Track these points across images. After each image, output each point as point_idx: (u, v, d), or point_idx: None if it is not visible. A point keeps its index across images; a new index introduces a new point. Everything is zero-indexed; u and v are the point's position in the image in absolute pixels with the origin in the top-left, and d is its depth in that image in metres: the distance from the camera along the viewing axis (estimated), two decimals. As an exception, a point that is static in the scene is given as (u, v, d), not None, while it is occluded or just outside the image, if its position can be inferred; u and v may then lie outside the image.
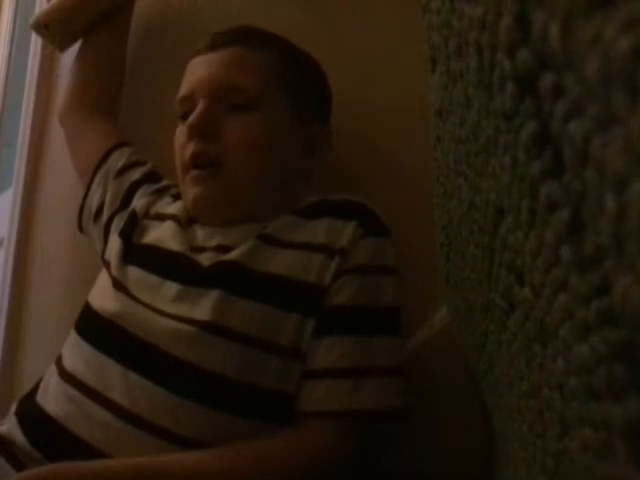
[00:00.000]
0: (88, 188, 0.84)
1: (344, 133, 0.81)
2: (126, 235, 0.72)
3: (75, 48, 0.94)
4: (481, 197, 0.34)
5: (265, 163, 0.68)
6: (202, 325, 0.59)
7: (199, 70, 0.70)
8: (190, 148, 0.67)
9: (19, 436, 0.62)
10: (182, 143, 0.69)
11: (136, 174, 0.82)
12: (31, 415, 0.64)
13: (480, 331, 0.44)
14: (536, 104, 0.22)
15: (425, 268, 0.70)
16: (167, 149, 0.74)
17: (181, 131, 0.70)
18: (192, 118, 0.67)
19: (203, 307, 0.60)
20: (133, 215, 0.76)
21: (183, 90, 0.71)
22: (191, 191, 0.68)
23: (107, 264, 0.72)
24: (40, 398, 0.65)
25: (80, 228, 0.87)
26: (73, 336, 0.67)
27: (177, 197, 0.77)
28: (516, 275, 0.30)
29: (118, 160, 0.83)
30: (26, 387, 0.70)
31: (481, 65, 0.27)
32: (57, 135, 1.08)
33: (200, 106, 0.67)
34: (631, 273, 0.18)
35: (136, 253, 0.70)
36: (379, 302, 0.64)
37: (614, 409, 0.21)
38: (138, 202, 0.78)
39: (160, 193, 0.79)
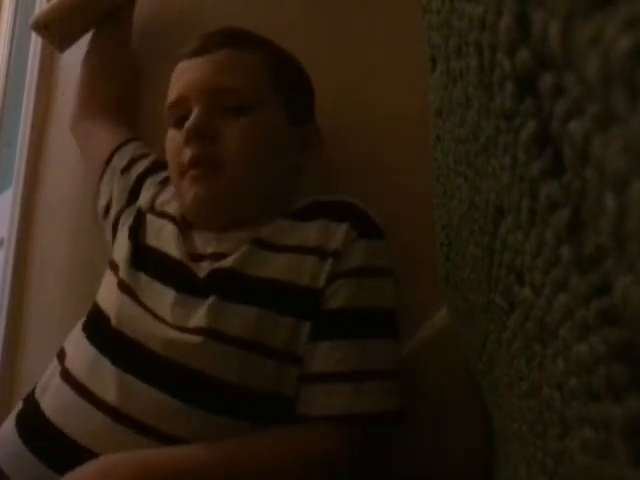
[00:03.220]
0: (98, 190, 0.85)
1: (344, 133, 0.81)
2: (134, 236, 0.72)
3: (75, 48, 0.93)
4: (481, 197, 0.33)
5: (264, 163, 0.68)
6: (198, 332, 0.60)
7: (188, 74, 0.69)
8: (189, 151, 0.66)
9: (15, 438, 0.62)
10: (177, 148, 0.68)
11: (141, 167, 0.82)
12: (28, 416, 0.64)
13: (480, 331, 0.44)
14: (536, 104, 0.22)
15: (425, 268, 0.70)
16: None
17: (174, 136, 0.70)
18: (189, 122, 0.66)
19: (198, 315, 0.61)
20: (139, 212, 0.76)
21: (172, 96, 0.70)
22: (190, 191, 0.67)
23: (114, 265, 0.72)
24: (39, 395, 0.65)
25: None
26: (79, 336, 0.67)
27: None
28: (516, 275, 0.30)
29: (122, 158, 0.83)
30: (26, 387, 0.70)
31: (481, 65, 0.27)
32: (57, 135, 1.08)
33: (196, 110, 0.67)
34: (631, 273, 0.18)
35: (143, 256, 0.70)
36: (375, 305, 0.64)
37: (614, 409, 0.21)
38: (145, 195, 0.78)
39: (165, 183, 0.79)
